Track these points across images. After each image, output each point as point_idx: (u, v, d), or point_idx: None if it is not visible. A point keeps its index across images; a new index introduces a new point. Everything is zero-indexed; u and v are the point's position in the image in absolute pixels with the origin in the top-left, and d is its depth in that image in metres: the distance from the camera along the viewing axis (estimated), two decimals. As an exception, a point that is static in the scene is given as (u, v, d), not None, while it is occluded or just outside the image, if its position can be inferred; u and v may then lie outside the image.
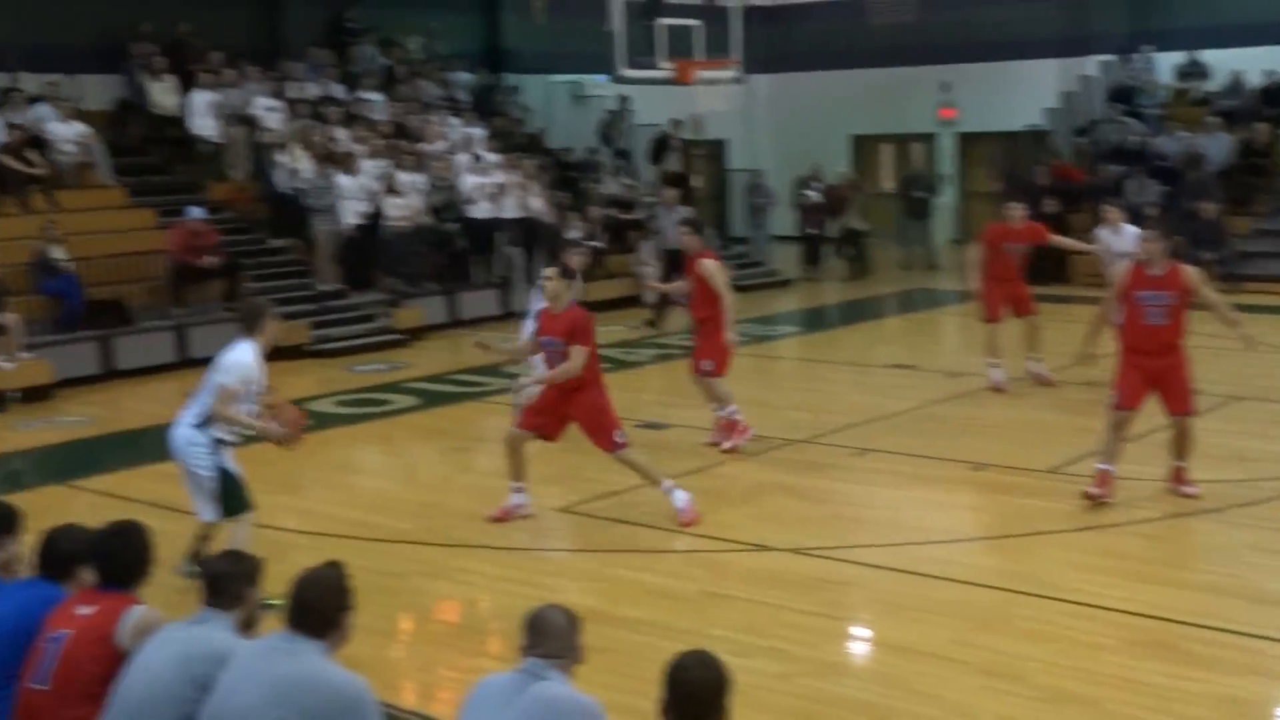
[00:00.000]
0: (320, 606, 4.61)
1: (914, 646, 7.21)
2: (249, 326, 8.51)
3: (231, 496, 8.33)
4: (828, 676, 6.88)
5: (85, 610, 5.00)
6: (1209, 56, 25.17)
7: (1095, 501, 9.37)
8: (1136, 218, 21.05)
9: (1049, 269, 21.09)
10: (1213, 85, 25.06)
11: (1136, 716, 6.27)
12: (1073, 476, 10.28)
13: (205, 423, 8.32)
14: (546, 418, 9.55)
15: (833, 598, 8.09)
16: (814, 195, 24.69)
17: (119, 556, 5.13)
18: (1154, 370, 9.50)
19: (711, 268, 11.50)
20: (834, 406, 13.41)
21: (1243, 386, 13.10)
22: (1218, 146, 22.84)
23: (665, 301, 17.94)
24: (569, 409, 9.48)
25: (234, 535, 8.23)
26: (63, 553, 5.33)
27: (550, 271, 9.53)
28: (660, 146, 23.91)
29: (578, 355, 9.18)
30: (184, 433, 8.38)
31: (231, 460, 8.40)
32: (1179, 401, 9.57)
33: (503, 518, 9.64)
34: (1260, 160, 22.71)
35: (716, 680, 4.18)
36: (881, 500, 10.30)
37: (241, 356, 8.30)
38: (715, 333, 11.55)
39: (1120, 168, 23.09)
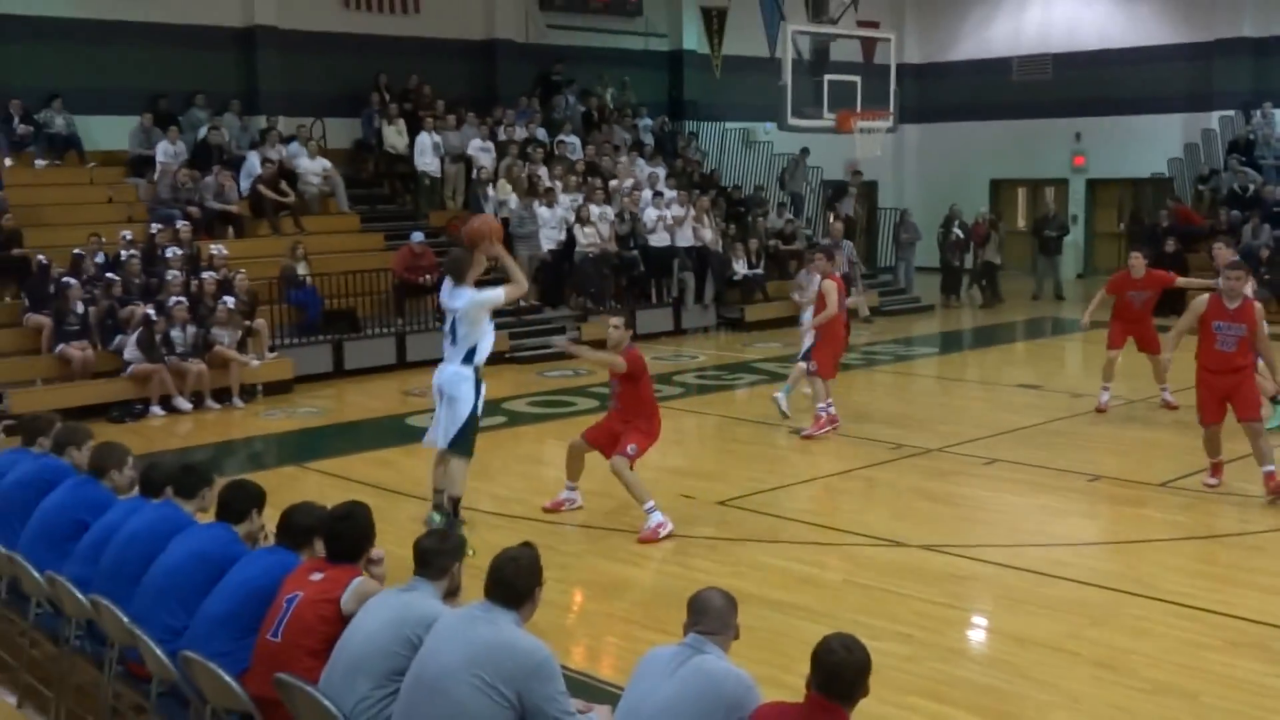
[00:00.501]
0: (516, 581, 4.63)
1: (1031, 637, 7.02)
2: (457, 274, 8.91)
3: (467, 436, 8.79)
4: (951, 661, 6.74)
5: (316, 577, 5.13)
6: (1325, 113, 24.09)
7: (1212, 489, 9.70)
8: (1251, 258, 20.43)
9: (1170, 302, 20.32)
10: (1328, 139, 23.95)
11: (1232, 710, 6.01)
12: (1182, 490, 9.95)
13: (468, 360, 8.86)
14: (604, 436, 9.40)
15: (958, 590, 7.92)
16: (958, 232, 24.25)
17: (345, 536, 5.25)
18: (1224, 387, 9.63)
19: (829, 288, 12.19)
20: (966, 420, 13.14)
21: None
22: (1332, 195, 21.84)
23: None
24: (620, 429, 9.30)
25: (454, 469, 8.82)
26: (298, 526, 5.49)
27: (616, 321, 9.30)
28: (839, 193, 24.04)
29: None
30: (454, 369, 8.88)
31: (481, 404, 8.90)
32: (1245, 409, 9.57)
33: (553, 508, 9.67)
34: (1373, 207, 21.65)
35: (859, 662, 4.13)
36: (1006, 505, 10.05)
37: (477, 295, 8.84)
38: (827, 341, 12.29)
39: (1238, 213, 22.23)
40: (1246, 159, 23.81)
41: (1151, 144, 25.42)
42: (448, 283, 9.03)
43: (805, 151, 24.22)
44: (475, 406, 8.85)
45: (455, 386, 8.84)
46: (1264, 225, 21.50)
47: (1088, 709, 6.07)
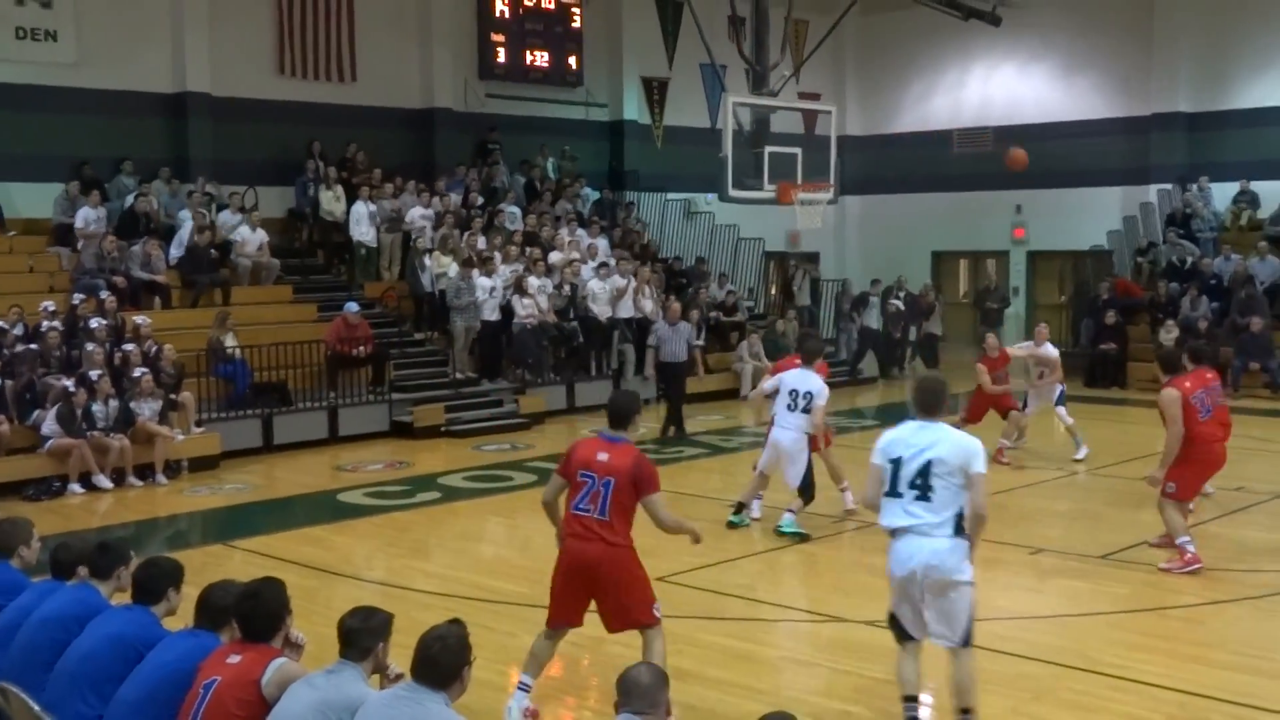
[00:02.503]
0: (442, 660, 4.60)
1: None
2: (809, 359, 11.37)
3: (809, 485, 11.25)
4: (896, 741, 6.74)
5: (234, 659, 5.05)
6: (1259, 186, 24.73)
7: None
8: (1190, 330, 20.87)
9: (1109, 373, 20.79)
10: (1263, 213, 24.56)
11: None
12: (1123, 563, 10.07)
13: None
14: None
15: (900, 667, 7.92)
16: (896, 303, 24.56)
17: (255, 615, 5.17)
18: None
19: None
20: (908, 493, 13.19)
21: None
22: (1266, 268, 22.40)
23: None
24: None
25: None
26: (216, 606, 5.41)
27: None
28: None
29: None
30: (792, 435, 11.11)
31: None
32: None
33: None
34: (1306, 281, 22.23)
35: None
36: (948, 580, 10.10)
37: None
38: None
39: (1176, 285, 22.72)
40: (1184, 232, 24.39)
41: (1091, 216, 25.95)
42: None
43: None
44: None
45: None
46: (1201, 297, 21.98)
47: (1029, 786, 6.09)
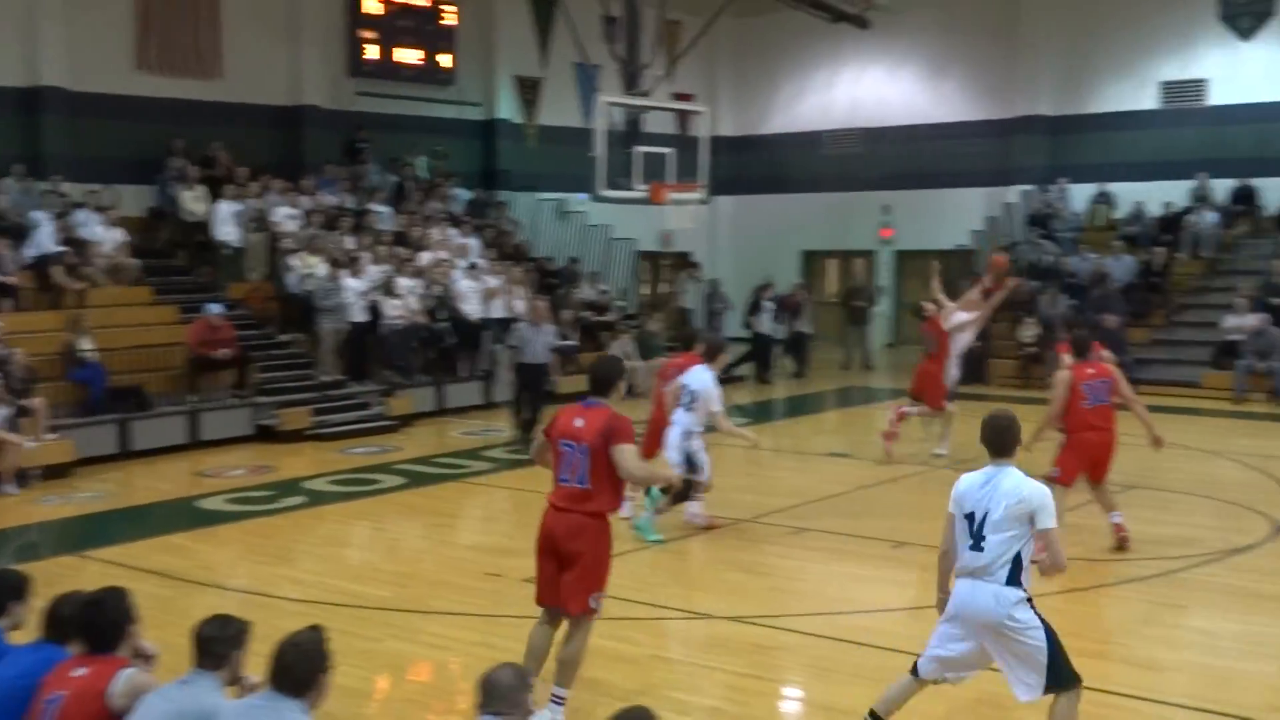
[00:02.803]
0: (300, 668, 4.53)
1: (838, 706, 7.16)
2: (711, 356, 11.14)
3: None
4: (756, 734, 6.81)
5: (79, 672, 4.90)
6: (1115, 188, 25.57)
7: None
8: (1050, 328, 21.48)
9: (972, 370, 21.15)
10: (1118, 214, 25.40)
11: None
12: (984, 556, 10.28)
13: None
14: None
15: (766, 661, 8.02)
16: (768, 304, 24.80)
17: (98, 624, 5.03)
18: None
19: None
20: (776, 490, 13.39)
21: (1141, 477, 13.15)
22: (1121, 267, 23.15)
23: None
24: None
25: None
26: (61, 617, 5.25)
27: None
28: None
29: None
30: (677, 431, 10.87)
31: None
32: None
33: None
34: (1157, 279, 23.05)
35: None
36: (814, 574, 10.26)
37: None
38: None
39: (1036, 283, 23.35)
40: (1044, 231, 25.13)
41: (956, 216, 26.56)
42: None
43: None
44: None
45: None
46: (1061, 295, 22.62)
47: (889, 776, 6.19)
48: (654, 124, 21.31)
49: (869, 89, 28.93)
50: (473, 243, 21.91)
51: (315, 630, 4.71)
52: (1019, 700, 6.02)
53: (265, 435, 16.59)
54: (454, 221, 22.75)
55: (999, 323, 22.72)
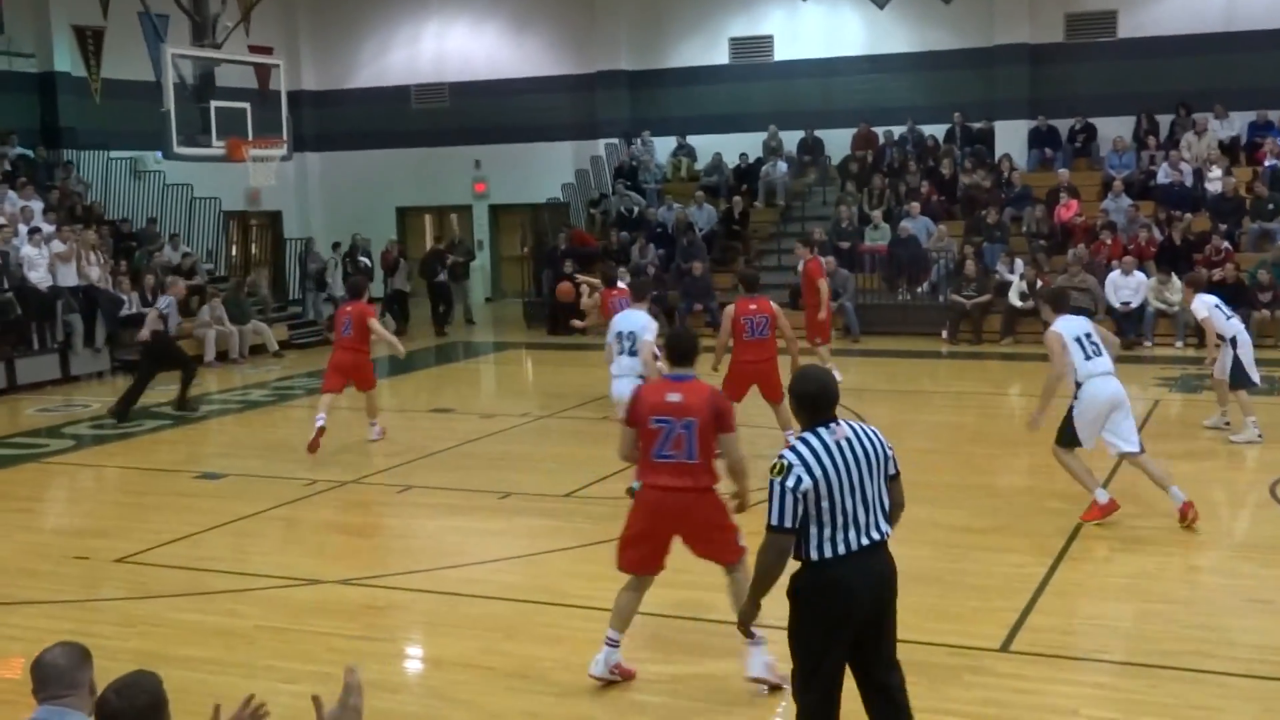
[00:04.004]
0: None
1: (448, 658, 7.28)
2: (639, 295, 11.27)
3: None
4: (370, 694, 6.67)
5: None
6: (695, 141, 26.85)
7: None
8: (640, 275, 22.35)
9: (568, 321, 21.68)
10: (699, 165, 26.70)
11: (635, 701, 6.56)
12: (585, 499, 10.70)
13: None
14: None
15: (377, 621, 8.02)
16: (365, 260, 24.49)
17: None
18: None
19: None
20: (380, 450, 13.32)
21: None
22: (704, 215, 24.41)
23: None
24: None
25: None
26: None
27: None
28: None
29: None
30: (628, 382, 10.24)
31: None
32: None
33: None
34: (738, 227, 24.44)
35: (139, 709, 3.73)
36: (421, 531, 10.33)
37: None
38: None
39: (626, 234, 24.24)
40: (631, 183, 26.09)
41: (546, 171, 27.14)
42: None
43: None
44: None
45: None
46: (649, 245, 23.60)
47: (503, 720, 6.39)
48: (231, 78, 20.50)
49: (455, 44, 28.98)
50: (35, 205, 20.37)
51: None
52: None
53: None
54: (11, 183, 21.07)
55: (594, 273, 23.43)
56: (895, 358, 19.34)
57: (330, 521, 10.49)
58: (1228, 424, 12.78)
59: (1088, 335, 9.45)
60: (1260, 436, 12.28)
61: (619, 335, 10.69)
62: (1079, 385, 9.40)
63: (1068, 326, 9.45)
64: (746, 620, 5.17)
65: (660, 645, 7.30)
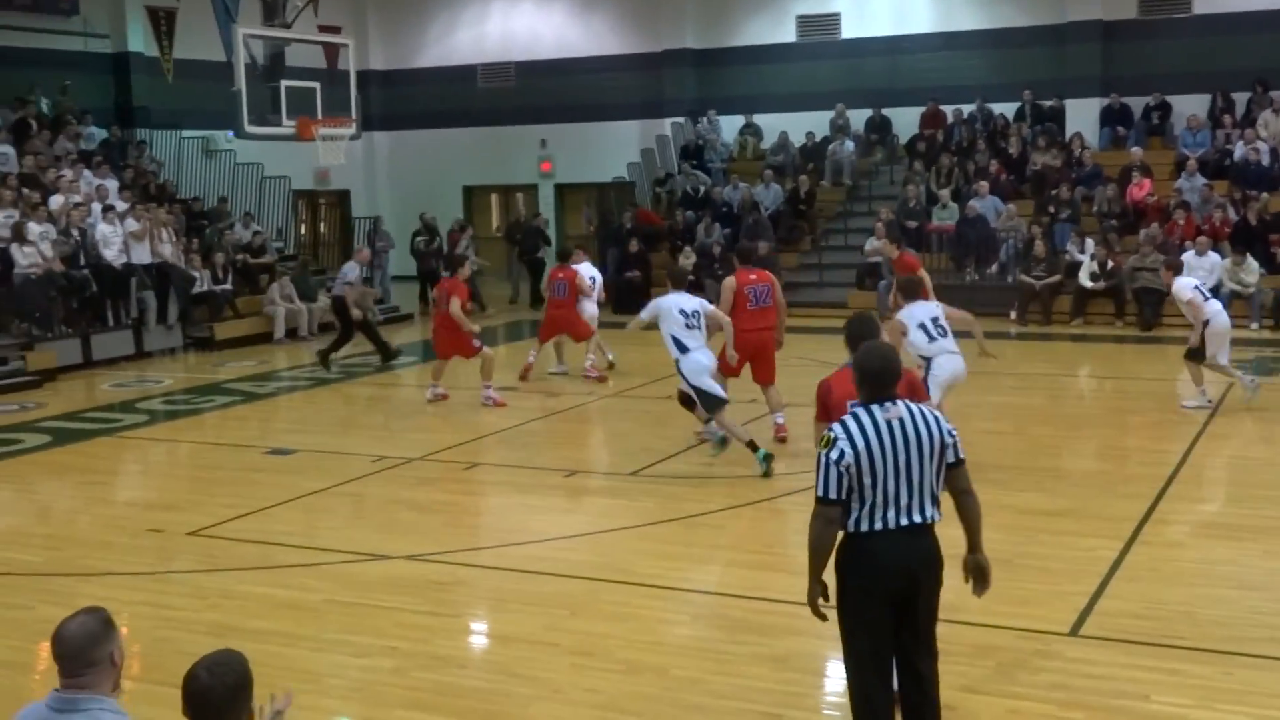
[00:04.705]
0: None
1: (513, 635, 7.32)
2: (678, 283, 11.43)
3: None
4: (437, 669, 6.86)
5: None
6: (761, 120, 26.68)
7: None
8: (705, 255, 22.37)
9: (635, 299, 21.72)
10: (765, 144, 26.54)
11: (699, 679, 6.55)
12: (650, 478, 10.70)
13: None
14: None
15: (443, 597, 8.08)
16: (424, 240, 24.57)
17: None
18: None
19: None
20: (447, 427, 13.41)
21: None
22: (770, 195, 24.27)
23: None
24: None
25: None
26: None
27: None
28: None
29: None
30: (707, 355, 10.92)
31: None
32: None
33: None
34: (803, 206, 24.27)
35: (227, 686, 3.69)
36: (487, 508, 10.41)
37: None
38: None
39: (691, 214, 24.17)
40: (697, 162, 26.02)
41: (612, 149, 27.09)
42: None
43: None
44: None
45: None
46: (715, 224, 23.51)
47: (567, 696, 6.40)
48: (300, 58, 20.68)
49: (521, 23, 28.99)
50: (110, 184, 20.67)
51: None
52: None
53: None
54: (87, 162, 21.39)
55: (659, 252, 23.50)
56: (962, 339, 19.03)
57: (398, 498, 10.57)
58: (1210, 402, 12.93)
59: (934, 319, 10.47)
60: (1210, 402, 12.77)
61: (681, 312, 11.03)
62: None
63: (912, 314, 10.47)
64: (811, 600, 5.16)
65: (725, 625, 7.30)
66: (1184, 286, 12.91)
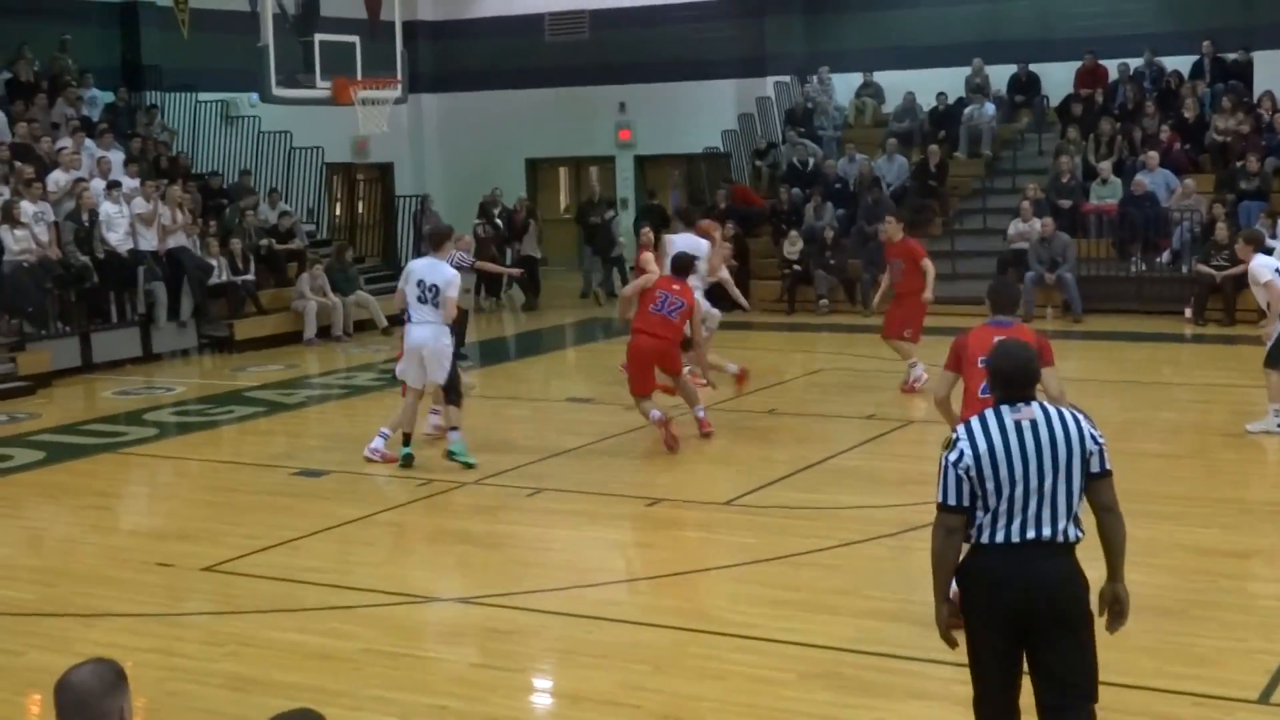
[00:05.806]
0: None
1: (585, 694, 7.32)
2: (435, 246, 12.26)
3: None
4: (495, 733, 6.92)
5: None
6: (883, 78, 26.54)
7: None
8: (815, 241, 22.30)
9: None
10: (887, 108, 26.38)
11: (806, 751, 6.53)
12: (748, 508, 10.67)
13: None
14: None
15: (501, 648, 8.12)
16: (490, 227, 24.73)
17: None
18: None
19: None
20: (508, 445, 13.48)
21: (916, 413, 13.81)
22: (893, 168, 24.14)
23: None
24: None
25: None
26: None
27: None
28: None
29: None
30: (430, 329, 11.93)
31: None
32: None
33: None
34: (933, 182, 24.05)
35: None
36: (554, 542, 10.41)
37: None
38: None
39: (799, 191, 24.08)
40: (805, 130, 25.86)
41: (704, 114, 27.00)
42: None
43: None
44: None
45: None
46: (826, 204, 23.41)
47: (650, 769, 6.42)
48: (336, 8, 20.95)
49: (597, -36, 29.08)
50: (114, 156, 21.02)
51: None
52: None
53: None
54: (90, 130, 21.79)
55: (759, 238, 23.42)
56: (1127, 341, 18.91)
57: (448, 529, 10.64)
58: None
59: None
60: None
61: (420, 283, 11.95)
62: None
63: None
64: (940, 622, 5.30)
65: (838, 685, 7.25)
66: (1263, 266, 12.41)
